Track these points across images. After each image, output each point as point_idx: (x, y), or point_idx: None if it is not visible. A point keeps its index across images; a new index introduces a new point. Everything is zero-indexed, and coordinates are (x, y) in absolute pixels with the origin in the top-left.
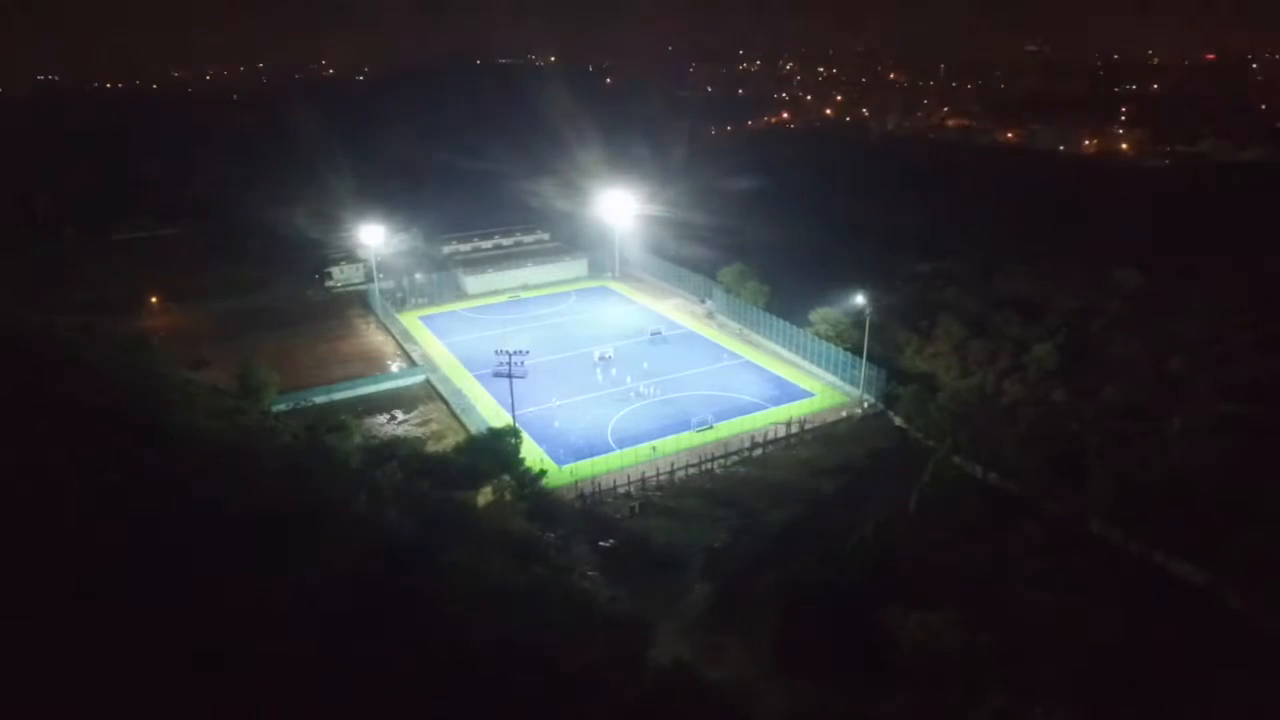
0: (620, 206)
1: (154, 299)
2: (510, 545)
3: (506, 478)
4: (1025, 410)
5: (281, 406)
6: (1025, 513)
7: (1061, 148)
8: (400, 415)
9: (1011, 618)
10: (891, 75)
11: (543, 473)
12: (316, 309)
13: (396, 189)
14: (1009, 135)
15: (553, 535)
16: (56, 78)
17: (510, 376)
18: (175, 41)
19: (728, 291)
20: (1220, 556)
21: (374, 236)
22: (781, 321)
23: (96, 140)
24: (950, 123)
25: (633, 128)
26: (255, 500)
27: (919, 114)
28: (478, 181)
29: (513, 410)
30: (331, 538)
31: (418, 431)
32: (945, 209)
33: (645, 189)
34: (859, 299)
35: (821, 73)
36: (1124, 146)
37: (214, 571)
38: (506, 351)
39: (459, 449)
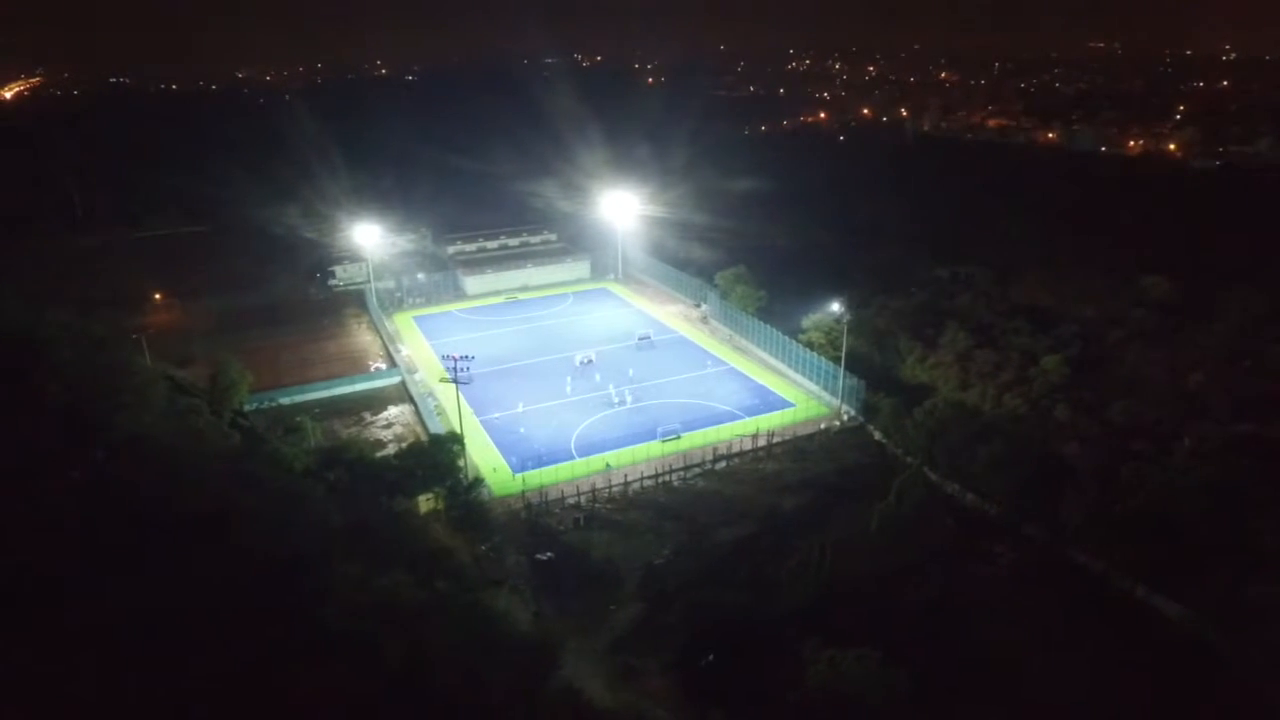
0: (625, 208)
1: (158, 295)
2: (420, 557)
3: (447, 485)
4: (1009, 426)
5: (251, 406)
6: (1001, 537)
7: (1103, 148)
8: (368, 417)
9: (953, 654)
10: (943, 74)
11: (478, 482)
12: (314, 307)
13: (404, 188)
14: (1049, 135)
15: (484, 547)
16: (127, 80)
17: (456, 382)
18: (248, 42)
19: (723, 296)
20: (1208, 594)
21: (370, 236)
22: (768, 327)
23: (147, 138)
24: (991, 123)
25: (660, 128)
26: (168, 505)
27: (961, 113)
28: (497, 182)
29: (459, 416)
30: (227, 547)
31: (382, 434)
32: (973, 211)
33: (659, 190)
34: (835, 306)
35: (872, 71)
36: (1171, 147)
37: (92, 575)
38: (452, 357)
39: (399, 455)
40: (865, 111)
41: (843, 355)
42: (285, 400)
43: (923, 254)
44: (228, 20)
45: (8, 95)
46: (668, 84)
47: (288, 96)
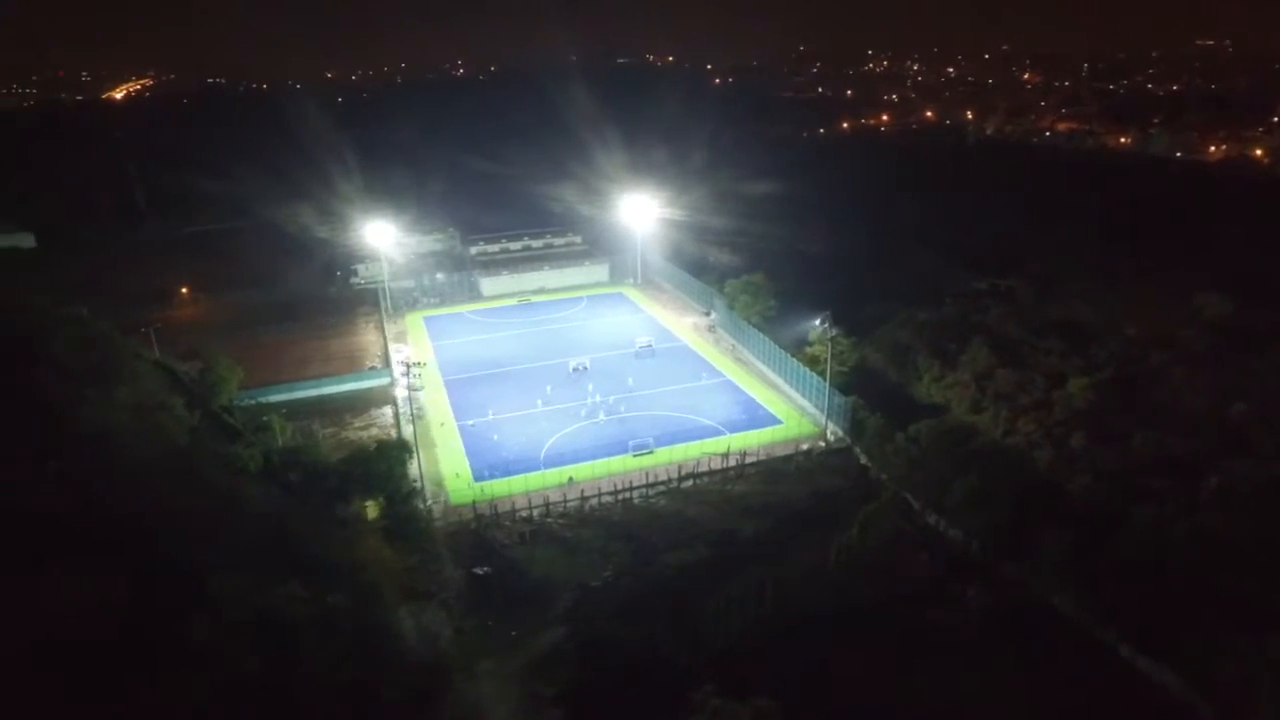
0: (647, 210)
1: (184, 290)
2: (329, 568)
3: (385, 493)
4: (999, 454)
5: (244, 402)
6: (979, 577)
7: (1179, 154)
8: (349, 418)
9: (889, 711)
10: (1025, 75)
11: (414, 491)
12: (329, 305)
13: (418, 186)
14: (1122, 140)
15: (416, 558)
16: (223, 80)
17: (410, 390)
18: (339, 42)
19: (729, 304)
20: (1200, 658)
21: (383, 235)
22: (765, 339)
23: (224, 135)
24: (1061, 126)
25: (707, 129)
26: (94, 502)
27: (1031, 116)
28: (518, 183)
29: (413, 424)
30: (129, 552)
31: (359, 436)
32: (1026, 220)
33: (691, 193)
34: (816, 321)
35: (950, 72)
36: (1258, 152)
37: None
38: (406, 363)
39: (343, 461)
40: (928, 114)
41: (828, 370)
42: (273, 398)
43: (967, 264)
44: (322, 19)
45: (118, 96)
46: (735, 85)
47: (365, 95)
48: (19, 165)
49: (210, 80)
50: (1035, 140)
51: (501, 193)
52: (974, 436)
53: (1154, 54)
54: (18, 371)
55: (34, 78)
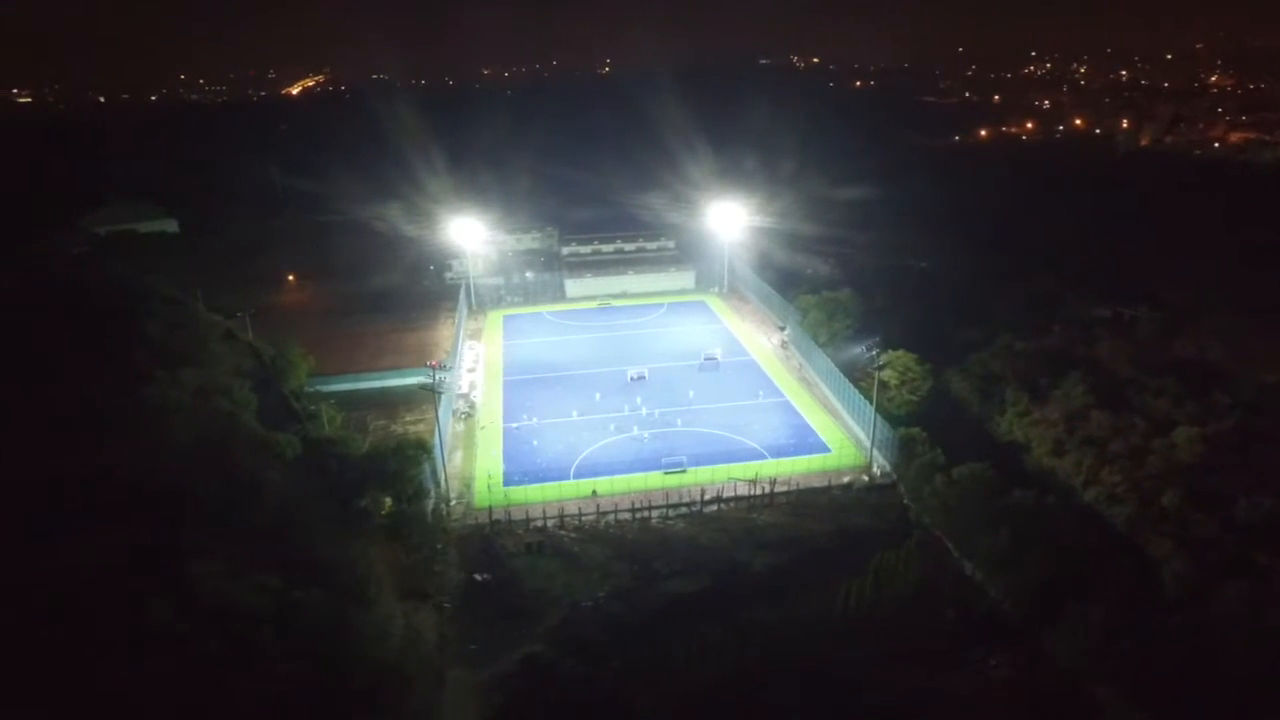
0: (741, 217)
1: (291, 277)
2: (313, 563)
3: (393, 491)
4: (1036, 511)
5: (314, 388)
6: (1008, 644)
7: None
8: (402, 412)
9: None
10: (1213, 78)
11: (417, 494)
12: (417, 299)
13: (503, 183)
14: None
15: (416, 558)
16: (386, 77)
17: (435, 391)
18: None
19: (801, 321)
20: None
21: (471, 233)
22: (826, 360)
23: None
24: (1234, 137)
25: (821, 131)
26: (116, 478)
27: (1199, 125)
28: (607, 186)
29: (438, 425)
30: (126, 530)
31: (404, 430)
32: (1170, 243)
33: (789, 199)
34: (861, 347)
35: (1123, 75)
36: None
37: None
38: (431, 366)
39: (364, 456)
40: (1078, 122)
41: (873, 397)
42: (338, 387)
43: (1089, 289)
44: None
45: (295, 92)
46: (875, 89)
47: (509, 92)
48: (198, 158)
49: (375, 76)
50: (1198, 152)
51: (588, 197)
52: (1034, 482)
53: None
54: (116, 351)
55: (231, 76)
